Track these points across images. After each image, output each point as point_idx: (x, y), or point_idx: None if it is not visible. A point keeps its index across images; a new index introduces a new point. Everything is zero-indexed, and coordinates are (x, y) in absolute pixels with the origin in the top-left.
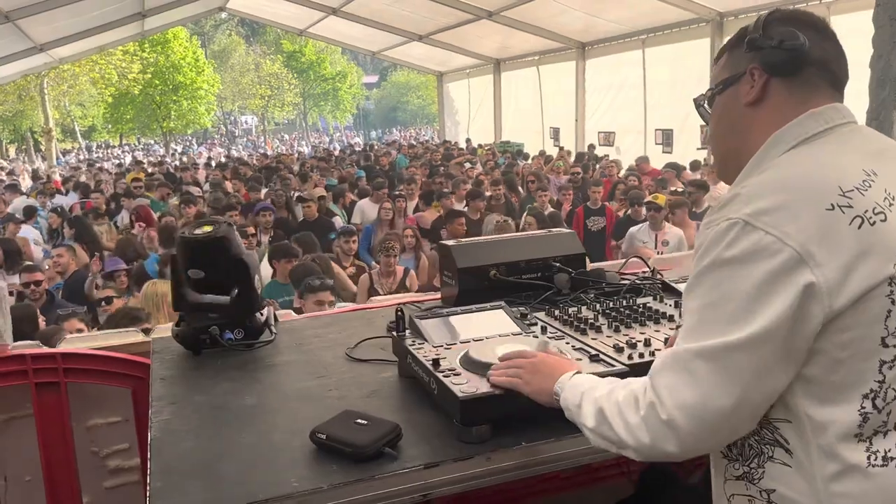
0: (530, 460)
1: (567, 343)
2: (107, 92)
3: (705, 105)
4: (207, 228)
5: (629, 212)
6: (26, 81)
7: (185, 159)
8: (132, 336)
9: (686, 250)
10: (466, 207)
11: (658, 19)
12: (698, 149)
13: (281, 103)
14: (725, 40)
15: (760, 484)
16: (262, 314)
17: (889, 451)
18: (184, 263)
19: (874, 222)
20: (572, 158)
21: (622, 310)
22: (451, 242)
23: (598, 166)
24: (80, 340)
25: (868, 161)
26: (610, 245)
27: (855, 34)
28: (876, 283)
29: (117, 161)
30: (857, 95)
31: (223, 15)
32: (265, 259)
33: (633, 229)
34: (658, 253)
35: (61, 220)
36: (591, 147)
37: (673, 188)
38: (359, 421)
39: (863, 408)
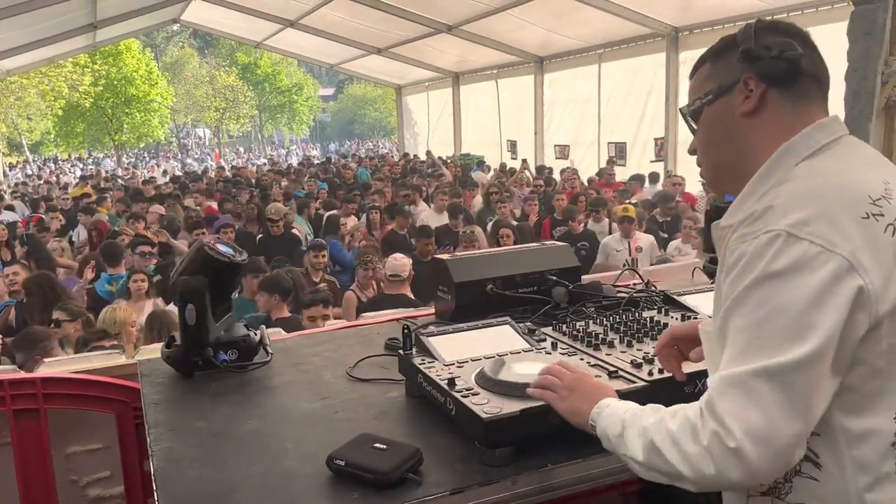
0: (557, 482)
1: (581, 359)
2: (56, 105)
3: (690, 115)
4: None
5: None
6: None
7: (139, 173)
8: (115, 359)
9: (655, 254)
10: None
11: (614, 34)
12: (652, 161)
13: (236, 116)
14: (681, 55)
15: (788, 499)
16: (255, 334)
17: None
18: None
19: None
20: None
21: (630, 323)
22: (446, 257)
23: (560, 178)
24: (60, 364)
25: (878, 171)
26: None
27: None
28: None
29: (71, 175)
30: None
31: (175, 27)
32: None
33: (606, 239)
34: (632, 259)
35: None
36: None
37: (635, 200)
38: (377, 445)
39: None
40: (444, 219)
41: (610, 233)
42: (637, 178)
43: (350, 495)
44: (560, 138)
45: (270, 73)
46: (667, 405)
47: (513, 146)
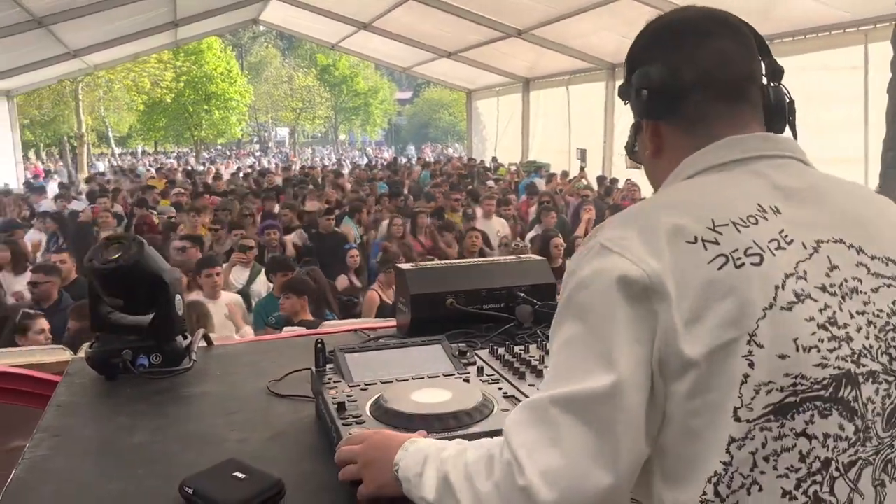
0: None
1: (500, 388)
2: (139, 99)
3: (636, 147)
4: (115, 248)
5: None
6: (62, 87)
7: (209, 167)
8: (57, 354)
9: None
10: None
11: None
12: None
13: (312, 116)
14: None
15: None
16: (184, 338)
17: None
18: (101, 290)
19: (742, 264)
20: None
21: None
22: (406, 266)
23: (619, 187)
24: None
25: (775, 198)
26: None
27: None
28: (732, 337)
29: (151, 167)
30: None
31: (261, 28)
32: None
33: None
34: None
35: (56, 226)
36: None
37: None
38: (237, 474)
39: (704, 494)
40: (494, 225)
41: None
42: None
43: None
44: None
45: (348, 75)
46: None
47: (582, 154)
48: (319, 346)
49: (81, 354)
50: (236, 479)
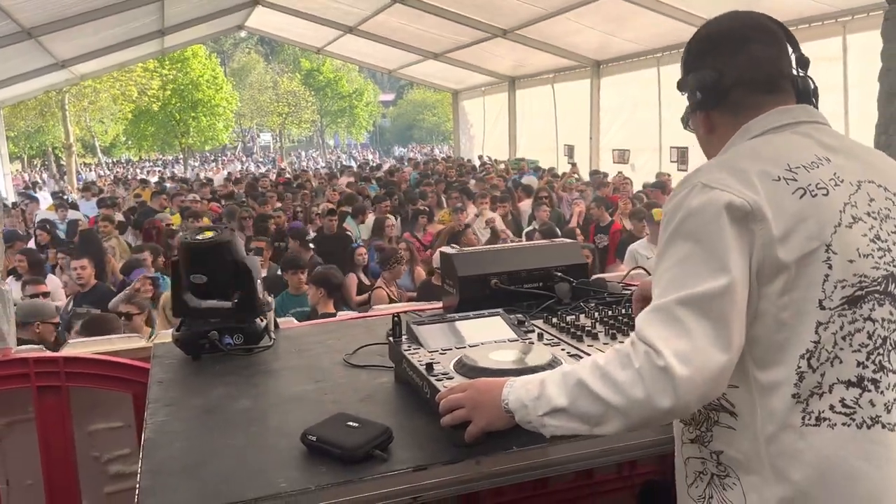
0: (521, 465)
1: (563, 349)
2: (126, 108)
3: (690, 123)
4: (209, 234)
5: (631, 229)
6: (48, 97)
7: (201, 175)
8: (135, 341)
9: None
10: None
11: (674, 38)
12: None
13: (298, 121)
14: None
15: (710, 446)
16: (262, 320)
17: (823, 412)
18: (186, 268)
19: (815, 195)
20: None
21: (620, 318)
22: (452, 251)
23: (608, 181)
24: (83, 345)
25: (824, 150)
26: (611, 263)
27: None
28: (814, 247)
29: (141, 177)
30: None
31: (243, 34)
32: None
33: (633, 245)
34: None
35: (49, 237)
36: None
37: None
38: (350, 423)
39: (799, 367)
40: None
41: None
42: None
43: (318, 469)
44: (619, 143)
45: (332, 78)
46: None
47: (570, 150)
48: (397, 319)
49: (160, 340)
50: (351, 428)
